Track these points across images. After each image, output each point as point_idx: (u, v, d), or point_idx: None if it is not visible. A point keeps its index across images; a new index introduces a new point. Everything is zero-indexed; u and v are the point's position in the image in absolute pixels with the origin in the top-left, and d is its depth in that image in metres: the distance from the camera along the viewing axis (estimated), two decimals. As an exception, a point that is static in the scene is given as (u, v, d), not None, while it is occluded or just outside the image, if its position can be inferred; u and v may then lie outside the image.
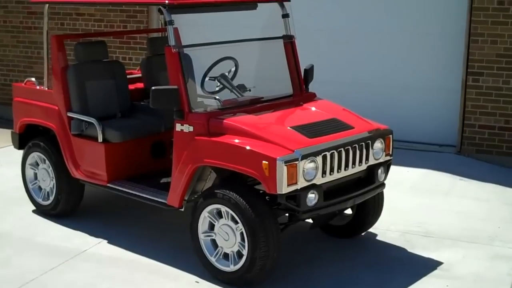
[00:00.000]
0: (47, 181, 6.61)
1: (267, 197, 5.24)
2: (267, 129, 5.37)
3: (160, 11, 5.68)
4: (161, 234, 6.26)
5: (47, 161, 6.55)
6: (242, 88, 6.21)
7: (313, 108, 5.92)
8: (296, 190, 5.03)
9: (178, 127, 5.51)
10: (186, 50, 5.67)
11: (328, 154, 5.18)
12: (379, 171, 5.63)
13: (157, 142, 6.41)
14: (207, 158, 5.33)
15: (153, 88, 5.36)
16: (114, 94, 6.56)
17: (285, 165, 4.93)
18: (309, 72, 6.27)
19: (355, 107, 6.06)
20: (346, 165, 5.34)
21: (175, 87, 5.43)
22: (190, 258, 5.61)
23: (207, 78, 6.14)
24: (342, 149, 5.29)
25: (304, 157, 5.04)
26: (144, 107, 6.70)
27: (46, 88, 6.63)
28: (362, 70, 9.18)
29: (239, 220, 5.14)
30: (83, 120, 6.27)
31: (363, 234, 6.19)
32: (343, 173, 5.35)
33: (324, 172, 5.18)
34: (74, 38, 8.49)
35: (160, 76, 6.84)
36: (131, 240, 6.10)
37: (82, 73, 6.36)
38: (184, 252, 5.78)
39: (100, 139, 6.10)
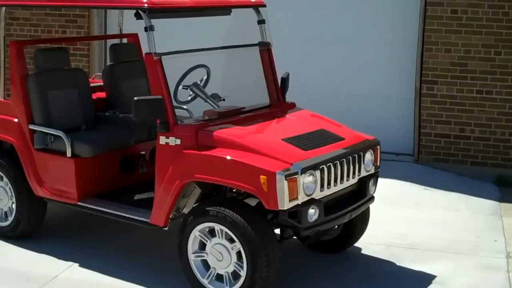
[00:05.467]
0: (5, 200, 6.05)
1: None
2: (260, 142, 5.08)
3: (137, 15, 5.27)
4: (139, 254, 5.83)
5: (4, 179, 6.01)
6: (216, 97, 5.93)
7: (297, 119, 5.69)
8: (297, 206, 4.77)
9: (162, 140, 5.13)
10: (165, 58, 5.30)
11: (325, 167, 4.95)
12: (370, 183, 5.44)
13: (126, 156, 5.99)
14: (197, 173, 4.98)
15: (135, 98, 4.97)
16: (78, 105, 6.10)
17: (286, 180, 4.66)
18: (286, 80, 6.02)
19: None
20: (342, 178, 5.12)
21: (159, 97, 5.06)
22: (174, 279, 5.25)
23: (180, 87, 5.84)
24: (338, 161, 5.07)
25: (304, 170, 4.78)
26: (109, 118, 6.30)
27: (2, 99, 6.09)
28: (316, 79, 8.97)
29: (236, 239, 4.82)
30: (47, 133, 5.78)
31: (347, 248, 5.98)
32: (339, 187, 5.12)
33: (322, 186, 4.94)
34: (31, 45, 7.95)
35: (123, 85, 6.45)
36: (106, 262, 5.63)
37: (43, 82, 5.88)
38: (167, 273, 5.40)
39: (68, 153, 5.63)
